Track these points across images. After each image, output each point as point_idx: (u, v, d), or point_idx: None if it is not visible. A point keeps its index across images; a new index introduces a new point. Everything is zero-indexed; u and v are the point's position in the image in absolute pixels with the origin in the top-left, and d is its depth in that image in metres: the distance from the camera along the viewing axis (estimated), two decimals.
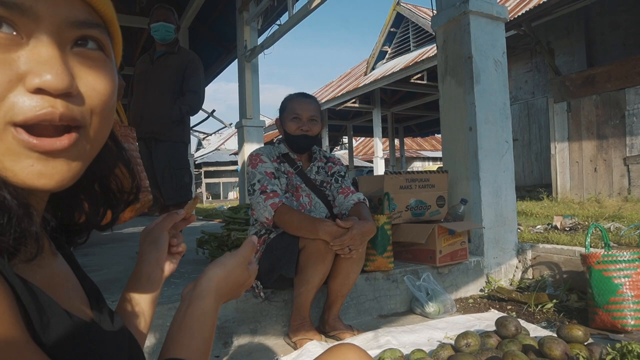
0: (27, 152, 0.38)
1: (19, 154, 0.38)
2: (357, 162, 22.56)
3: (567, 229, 4.81)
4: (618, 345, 1.35)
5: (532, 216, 6.35)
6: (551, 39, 8.64)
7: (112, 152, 0.53)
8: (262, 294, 1.99)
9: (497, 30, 2.78)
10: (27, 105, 0.37)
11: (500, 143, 2.73)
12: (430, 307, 2.21)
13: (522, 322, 2.04)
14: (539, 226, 5.14)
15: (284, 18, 5.30)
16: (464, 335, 1.65)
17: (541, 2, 7.69)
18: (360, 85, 12.56)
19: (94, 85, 0.42)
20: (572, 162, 7.89)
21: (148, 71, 3.08)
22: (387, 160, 16.55)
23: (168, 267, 0.75)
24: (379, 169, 13.57)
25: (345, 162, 19.61)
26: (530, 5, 8.20)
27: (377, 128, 13.58)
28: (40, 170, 0.39)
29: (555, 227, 4.94)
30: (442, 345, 1.68)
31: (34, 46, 0.38)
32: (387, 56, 13.48)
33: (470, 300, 2.48)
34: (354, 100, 13.56)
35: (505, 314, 2.09)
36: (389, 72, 11.56)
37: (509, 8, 9.34)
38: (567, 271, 2.52)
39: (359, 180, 2.74)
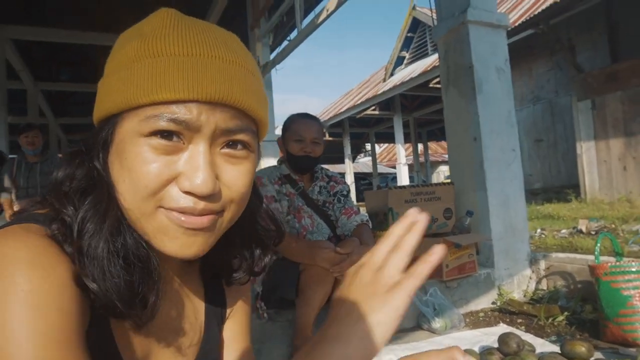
0: (175, 227, 0.47)
1: (169, 228, 0.47)
2: (382, 169, 22.44)
3: (593, 232, 4.67)
4: None
5: (559, 219, 6.18)
6: (572, 35, 8.41)
7: (256, 206, 0.62)
8: (265, 314, 2.03)
9: (497, 38, 2.75)
10: (176, 199, 0.47)
11: (507, 152, 2.69)
12: (437, 323, 2.19)
13: (530, 337, 2.00)
14: (563, 230, 5.01)
15: (295, 33, 5.38)
16: None
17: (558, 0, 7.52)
18: (379, 93, 12.56)
19: (235, 181, 0.50)
20: (599, 162, 7.64)
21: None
22: (411, 166, 16.39)
23: None
24: (402, 175, 13.46)
25: (369, 169, 19.55)
26: (547, 4, 8.01)
27: (399, 134, 13.51)
28: (183, 243, 0.48)
29: (581, 231, 4.80)
30: None
31: (192, 152, 0.47)
32: (405, 61, 13.44)
33: (481, 314, 2.44)
34: (373, 107, 13.54)
35: (510, 330, 2.05)
36: (408, 78, 11.51)
37: (525, 7, 9.18)
38: (581, 281, 2.45)
39: (365, 196, 2.75)
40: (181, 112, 0.45)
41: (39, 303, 0.40)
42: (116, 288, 0.46)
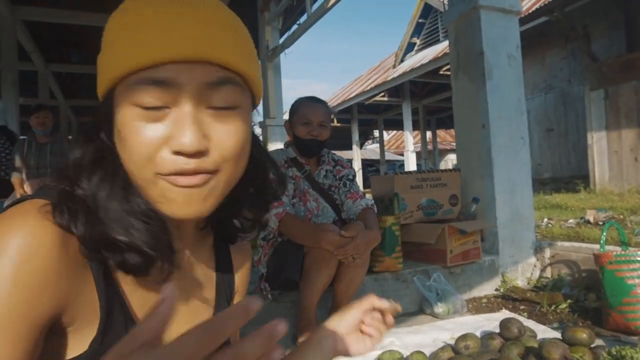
0: (172, 188, 0.49)
1: (167, 191, 0.49)
2: (389, 156, 22.35)
3: (601, 223, 4.64)
4: (614, 349, 1.32)
5: (566, 209, 6.14)
6: (587, 23, 8.22)
7: (257, 160, 0.61)
8: (269, 295, 2.06)
9: (509, 23, 2.71)
10: (169, 162, 0.48)
11: (515, 139, 2.67)
12: (440, 308, 2.21)
13: (532, 324, 2.01)
14: (571, 220, 4.98)
15: (304, 17, 5.34)
16: (464, 337, 1.65)
17: None
18: (388, 79, 12.44)
19: (226, 140, 0.50)
20: (610, 152, 7.55)
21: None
22: (419, 154, 16.30)
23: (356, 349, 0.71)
24: (410, 163, 13.40)
25: (377, 156, 19.50)
26: None
27: (407, 122, 13.39)
28: (180, 202, 0.49)
29: (588, 222, 4.77)
30: (443, 347, 1.68)
31: (177, 113, 0.48)
32: (415, 48, 13.27)
33: (484, 300, 2.45)
34: (382, 94, 13.43)
35: (511, 315, 2.07)
36: (418, 65, 11.38)
37: None
38: (586, 270, 2.45)
39: (371, 181, 2.75)
40: (160, 74, 0.46)
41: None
42: (140, 237, 0.49)
